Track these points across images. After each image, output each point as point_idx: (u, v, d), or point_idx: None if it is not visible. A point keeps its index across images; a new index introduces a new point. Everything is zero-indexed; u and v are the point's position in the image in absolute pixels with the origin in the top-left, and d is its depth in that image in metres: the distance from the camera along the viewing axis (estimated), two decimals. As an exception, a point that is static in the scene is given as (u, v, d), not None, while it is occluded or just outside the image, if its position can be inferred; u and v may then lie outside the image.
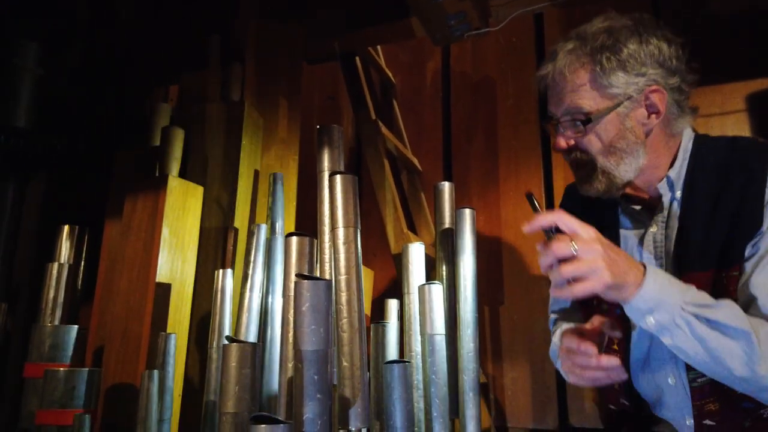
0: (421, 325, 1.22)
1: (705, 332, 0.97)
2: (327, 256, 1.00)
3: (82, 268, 1.37)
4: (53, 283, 1.31)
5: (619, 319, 1.14)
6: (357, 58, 2.12)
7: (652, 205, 1.21)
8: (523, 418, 1.97)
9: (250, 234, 1.33)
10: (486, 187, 2.25)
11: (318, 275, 0.99)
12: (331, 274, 0.96)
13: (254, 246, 1.32)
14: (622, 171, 1.16)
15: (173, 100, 2.40)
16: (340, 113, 2.58)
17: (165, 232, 1.22)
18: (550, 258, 1.00)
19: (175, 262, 1.25)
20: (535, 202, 1.10)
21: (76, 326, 1.09)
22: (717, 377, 1.03)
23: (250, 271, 1.30)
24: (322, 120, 2.55)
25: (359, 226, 0.95)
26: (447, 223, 1.51)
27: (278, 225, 1.40)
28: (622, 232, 1.25)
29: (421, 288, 1.22)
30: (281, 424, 0.59)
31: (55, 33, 2.14)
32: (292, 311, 0.84)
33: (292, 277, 0.88)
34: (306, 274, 0.84)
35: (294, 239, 0.88)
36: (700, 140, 1.19)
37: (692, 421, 1.12)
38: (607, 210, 1.26)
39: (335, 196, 0.96)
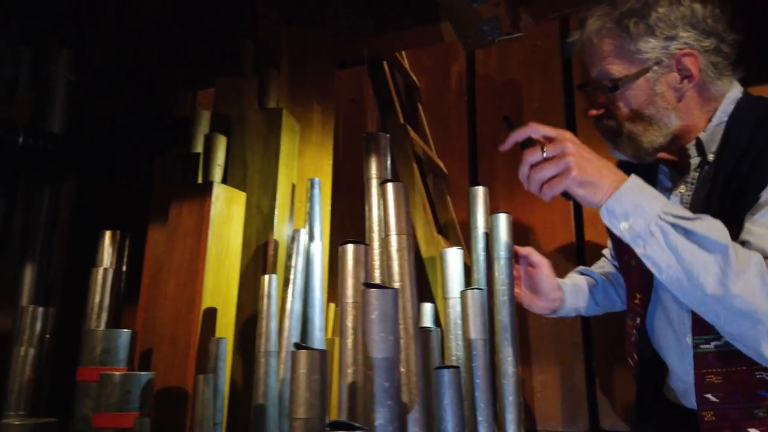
0: (463, 330, 1.23)
1: (680, 243, 0.93)
2: (377, 263, 1.01)
3: (124, 272, 1.39)
4: (98, 287, 1.34)
5: (644, 274, 1.13)
6: (384, 63, 2.14)
7: (684, 168, 1.19)
8: (552, 421, 1.97)
9: (291, 240, 1.34)
10: (513, 190, 2.26)
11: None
12: (382, 281, 0.97)
13: (295, 251, 1.33)
14: (650, 137, 1.14)
15: (201, 104, 2.43)
16: (364, 116, 2.59)
17: (211, 238, 1.24)
18: (524, 167, 1.03)
19: (221, 268, 1.26)
20: (512, 123, 1.14)
21: (128, 330, 1.11)
22: (688, 299, 0.98)
23: (292, 276, 1.32)
24: (346, 124, 2.56)
25: (411, 233, 0.96)
26: (481, 227, 1.52)
27: (316, 230, 1.41)
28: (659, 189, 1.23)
29: (463, 293, 1.23)
30: (359, 431, 0.60)
31: (83, 36, 2.17)
32: (350, 318, 0.85)
33: (349, 284, 0.89)
34: (368, 282, 0.85)
35: (350, 247, 0.89)
36: (744, 101, 1.13)
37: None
38: (649, 168, 1.25)
39: (387, 204, 0.97)
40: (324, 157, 1.64)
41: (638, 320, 1.24)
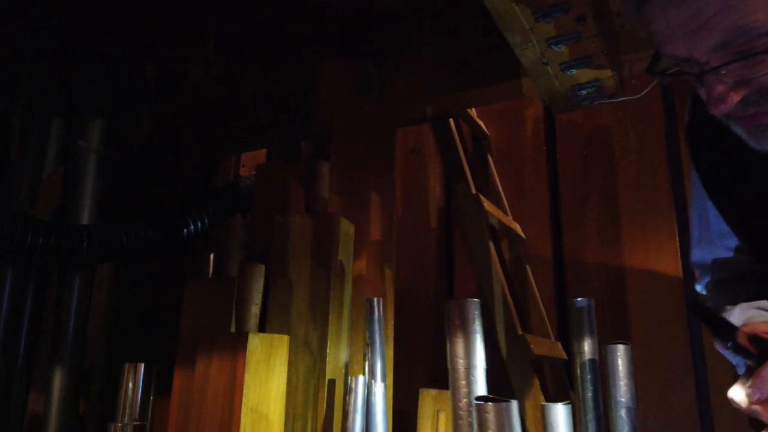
0: None
1: None
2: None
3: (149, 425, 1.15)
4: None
5: None
6: (451, 120, 1.83)
7: None
8: None
9: (348, 390, 1.06)
10: (606, 260, 1.90)
11: None
12: None
13: (352, 406, 1.05)
14: None
15: (245, 166, 2.20)
16: (425, 169, 2.29)
17: (246, 404, 0.97)
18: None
19: (259, 441, 1.00)
20: (718, 322, 0.72)
21: None
22: None
23: (350, 442, 1.04)
24: (404, 178, 2.27)
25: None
26: (587, 353, 1.19)
27: (378, 366, 1.12)
28: None
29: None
30: None
31: (120, 103, 1.97)
32: None
33: None
34: None
35: None
36: None
37: None
38: None
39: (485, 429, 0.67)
40: (384, 258, 1.34)
41: None
